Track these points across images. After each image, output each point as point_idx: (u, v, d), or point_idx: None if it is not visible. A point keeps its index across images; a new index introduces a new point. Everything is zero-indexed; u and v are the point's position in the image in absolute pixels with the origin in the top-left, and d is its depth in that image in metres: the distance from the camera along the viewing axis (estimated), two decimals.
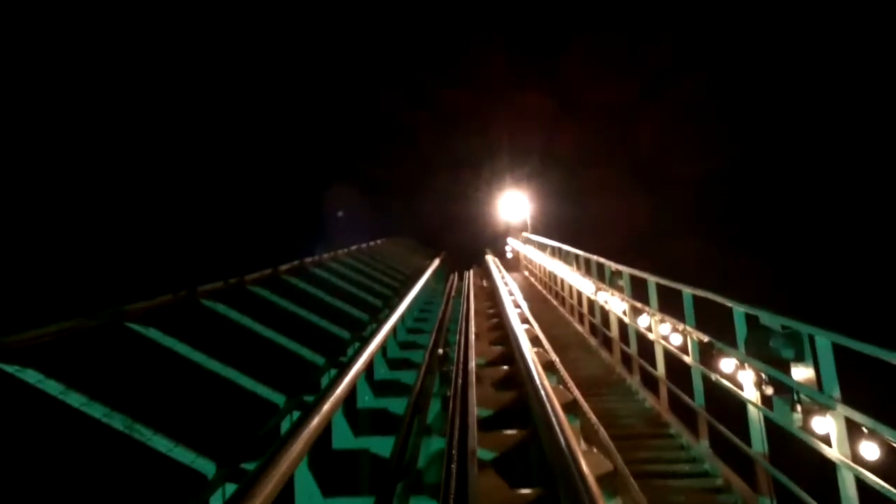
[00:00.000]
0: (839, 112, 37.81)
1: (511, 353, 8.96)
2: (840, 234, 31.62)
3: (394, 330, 11.40)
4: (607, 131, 48.45)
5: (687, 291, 6.85)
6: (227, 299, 9.26)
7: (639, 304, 8.74)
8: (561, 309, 16.08)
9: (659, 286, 8.05)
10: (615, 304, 10.07)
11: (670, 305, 7.86)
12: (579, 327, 13.51)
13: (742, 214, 36.42)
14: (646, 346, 8.76)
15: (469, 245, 37.54)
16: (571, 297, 14.61)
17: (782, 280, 27.17)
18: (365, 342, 9.03)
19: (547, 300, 18.59)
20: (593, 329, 12.50)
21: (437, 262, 24.84)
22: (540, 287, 20.96)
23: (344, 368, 7.10)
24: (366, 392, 8.68)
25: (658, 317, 7.84)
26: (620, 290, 9.85)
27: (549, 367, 8.25)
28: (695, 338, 6.67)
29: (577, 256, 13.78)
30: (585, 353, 11.44)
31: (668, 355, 7.65)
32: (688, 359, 6.87)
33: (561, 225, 33.48)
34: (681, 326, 7.03)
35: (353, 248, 19.48)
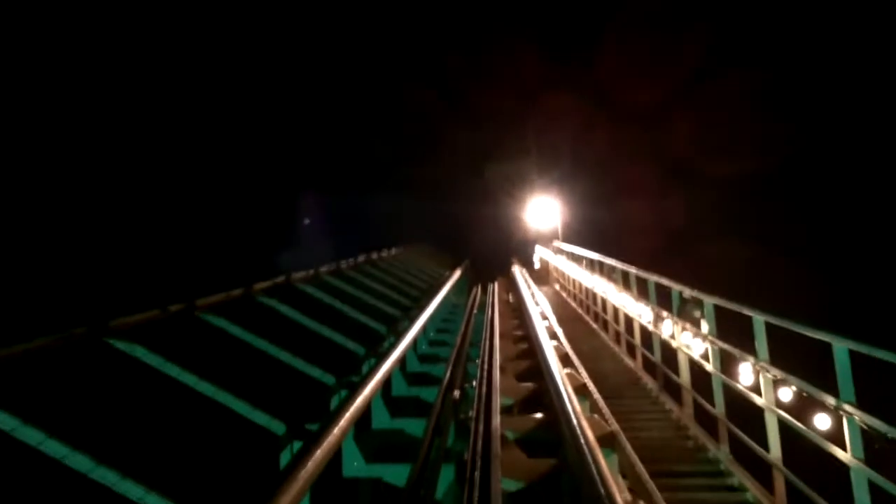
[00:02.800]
0: (886, 111, 35.30)
1: (544, 394, 7.60)
2: (885, 237, 29.46)
3: (401, 361, 9.35)
4: (642, 130, 46.05)
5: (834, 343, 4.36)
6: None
7: (731, 350, 6.23)
8: (603, 335, 13.54)
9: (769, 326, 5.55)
10: (688, 339, 7.57)
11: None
12: (628, 361, 10.99)
13: (782, 215, 34.48)
14: (739, 407, 6.30)
15: (494, 253, 35.53)
16: (617, 321, 12.09)
17: (824, 282, 25.42)
18: (355, 388, 6.77)
19: (583, 320, 16.06)
20: (647, 364, 10.00)
21: (458, 272, 22.45)
22: (574, 305, 18.42)
23: (324, 429, 5.10)
24: (355, 457, 6.44)
25: (771, 374, 5.32)
26: (696, 323, 7.35)
27: (605, 439, 5.81)
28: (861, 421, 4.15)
29: (625, 273, 11.27)
30: (643, 400, 8.91)
31: (788, 431, 5.16)
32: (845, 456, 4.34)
33: (594, 230, 31.17)
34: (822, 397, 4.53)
35: (362, 258, 17.14)
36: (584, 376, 8.84)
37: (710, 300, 6.79)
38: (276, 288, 10.70)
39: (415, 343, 11.35)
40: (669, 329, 8.26)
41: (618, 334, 12.02)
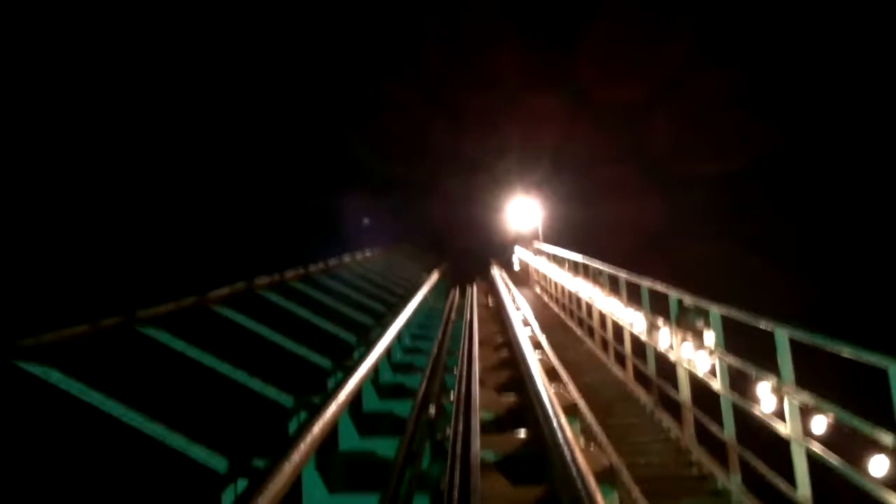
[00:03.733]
0: (864, 109, 35.87)
1: (528, 409, 7.27)
2: (865, 236, 29.92)
3: (374, 372, 8.76)
4: (622, 129, 45.54)
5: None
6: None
7: (745, 366, 5.44)
8: (588, 342, 12.76)
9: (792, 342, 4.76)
10: (689, 353, 6.78)
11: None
12: (617, 371, 10.21)
13: (762, 214, 34.60)
14: (750, 428, 5.54)
15: (474, 254, 34.82)
16: (604, 327, 11.31)
17: (801, 281, 25.21)
18: (318, 409, 5.97)
19: (566, 326, 15.29)
20: (638, 375, 9.25)
21: (435, 275, 21.62)
22: (556, 308, 17.65)
23: (277, 461, 4.54)
24: (317, 487, 5.60)
25: (798, 398, 4.53)
26: (698, 334, 6.57)
27: (603, 474, 5.02)
28: None
29: (613, 277, 10.50)
30: (638, 417, 8.10)
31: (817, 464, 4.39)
32: None
33: (574, 229, 30.54)
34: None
35: (334, 261, 16.21)
36: (573, 391, 8.07)
37: (716, 309, 6.00)
38: (236, 296, 9.75)
39: (389, 352, 10.57)
40: (667, 340, 7.48)
41: (605, 342, 11.26)
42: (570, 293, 15.33)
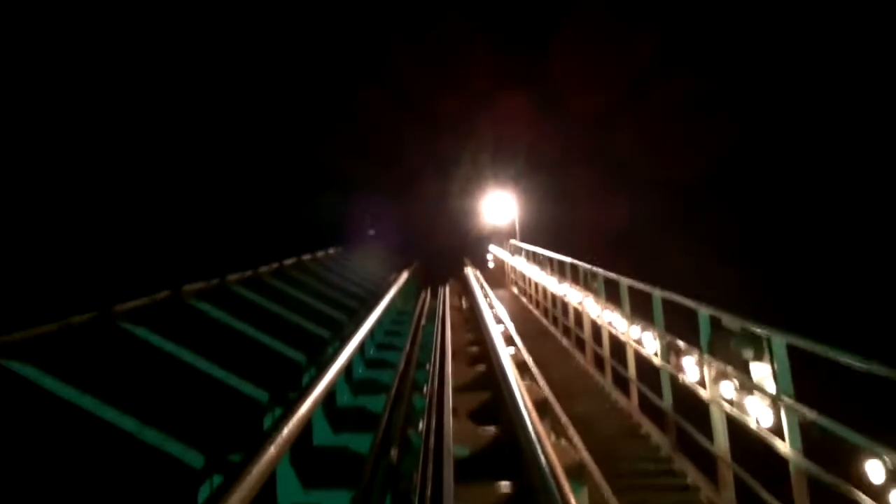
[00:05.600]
0: (828, 113, 35.70)
1: (512, 447, 5.84)
2: (828, 238, 29.75)
3: (328, 394, 7.20)
4: (593, 130, 44.54)
5: None
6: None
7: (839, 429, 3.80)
8: (578, 356, 11.12)
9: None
10: (730, 392, 5.14)
11: None
12: (618, 396, 8.58)
13: (729, 216, 33.56)
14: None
15: (446, 251, 33.24)
16: (597, 341, 9.69)
17: (765, 281, 25.45)
18: (243, 467, 4.44)
19: (549, 335, 13.66)
20: (644, 402, 7.65)
21: (405, 275, 19.85)
22: (538, 313, 16.02)
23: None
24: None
25: None
26: (742, 366, 4.93)
27: None
28: None
29: (609, 281, 8.87)
30: (656, 471, 6.39)
31: None
32: None
33: (552, 227, 29.32)
34: None
35: (290, 261, 14.39)
36: (575, 440, 6.40)
37: (781, 338, 4.36)
38: (161, 305, 8.02)
39: (349, 365, 8.97)
40: (693, 369, 5.84)
41: (598, 357, 9.64)
42: (552, 296, 13.70)
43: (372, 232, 36.84)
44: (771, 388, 4.63)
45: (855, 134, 33.10)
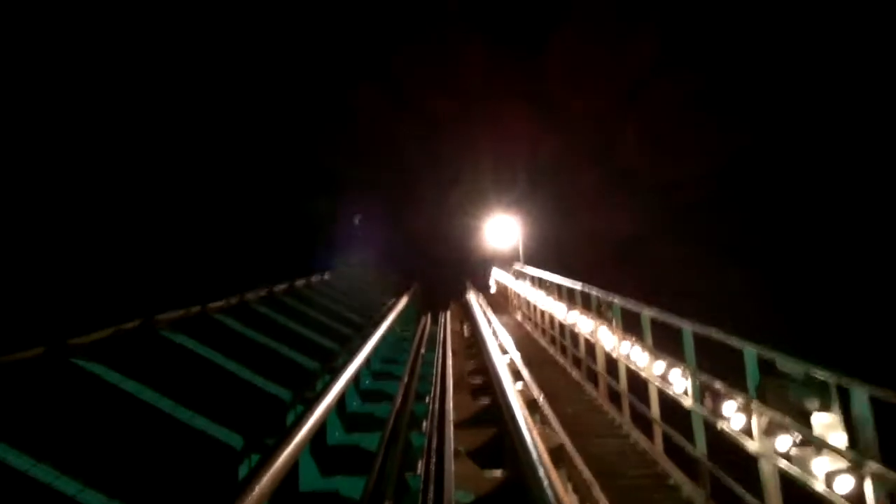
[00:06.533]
0: (831, 116, 34.85)
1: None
2: (832, 242, 29.12)
3: (316, 431, 6.43)
4: (594, 137, 43.87)
5: None
6: None
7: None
8: (590, 389, 10.25)
9: None
10: (785, 446, 4.31)
11: None
12: (636, 435, 7.73)
13: (735, 220, 33.29)
14: None
15: (449, 274, 32.50)
16: (613, 374, 8.85)
17: (771, 289, 25.10)
18: None
19: (558, 365, 12.81)
20: (669, 445, 6.80)
21: (404, 300, 19.00)
22: (544, 342, 15.16)
23: None
24: None
25: None
26: (802, 416, 4.11)
27: None
28: None
29: (628, 311, 8.05)
30: None
31: None
32: None
33: (557, 244, 28.66)
34: None
35: (282, 286, 13.57)
36: (596, 491, 5.54)
37: (864, 390, 3.53)
38: (133, 334, 7.24)
39: (343, 398, 8.20)
40: (736, 416, 5.00)
41: (612, 390, 8.80)
42: (561, 324, 12.86)
43: (357, 220, 36.53)
44: (838, 441, 3.83)
45: (862, 139, 32.57)
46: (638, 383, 7.95)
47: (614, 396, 9.05)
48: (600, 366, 9.53)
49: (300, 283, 15.02)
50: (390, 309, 16.13)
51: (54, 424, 5.03)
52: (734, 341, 4.87)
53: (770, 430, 4.46)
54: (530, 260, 23.49)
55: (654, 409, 7.08)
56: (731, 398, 5.07)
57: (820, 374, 3.93)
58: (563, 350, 12.64)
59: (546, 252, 25.71)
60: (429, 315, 20.25)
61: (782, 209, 32.79)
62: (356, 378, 9.56)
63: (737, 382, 5.24)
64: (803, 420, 4.14)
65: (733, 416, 4.97)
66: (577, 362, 11.40)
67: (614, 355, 8.60)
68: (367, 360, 10.75)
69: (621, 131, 41.21)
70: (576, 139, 42.29)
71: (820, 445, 3.94)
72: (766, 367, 4.67)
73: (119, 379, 5.94)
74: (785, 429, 4.28)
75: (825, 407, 3.93)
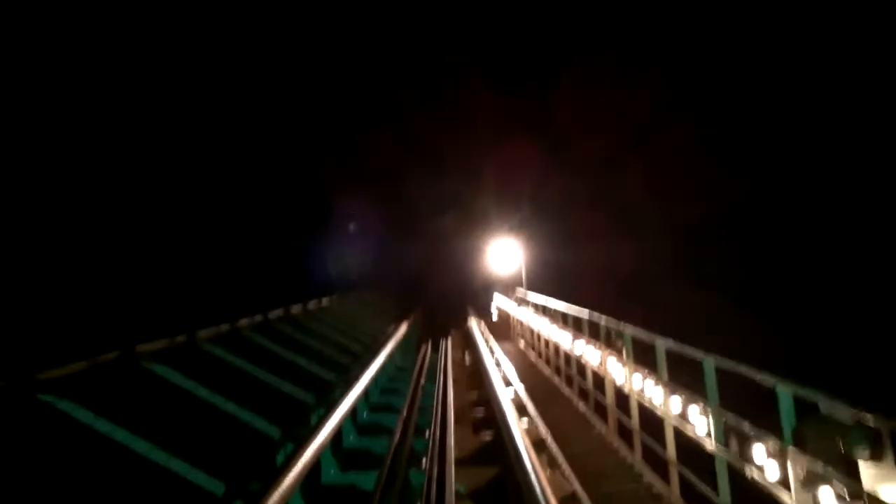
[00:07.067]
0: (833, 158, 34.47)
1: None
2: (835, 285, 28.54)
3: (309, 470, 5.92)
4: (599, 175, 43.71)
5: None
6: None
7: None
8: (598, 425, 9.74)
9: None
10: None
11: None
12: (650, 477, 7.22)
13: (736, 260, 32.70)
14: None
15: (449, 300, 32.10)
16: (622, 408, 8.37)
17: (771, 325, 23.97)
18: None
19: (564, 397, 12.30)
20: (685, 486, 6.30)
21: (404, 327, 18.54)
22: (548, 372, 14.66)
23: None
24: None
25: None
26: (844, 462, 3.64)
27: None
28: None
29: (641, 344, 7.58)
30: None
31: None
32: None
33: (560, 273, 28.24)
34: None
35: (276, 313, 13.11)
36: None
37: None
38: (111, 367, 6.78)
39: (339, 433, 7.92)
40: (769, 462, 4.51)
41: (621, 425, 8.31)
42: (567, 354, 12.38)
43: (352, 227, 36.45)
44: (892, 496, 3.37)
45: (867, 178, 32.39)
46: (650, 419, 7.48)
47: (624, 432, 8.57)
48: (610, 400, 9.03)
49: (296, 309, 14.55)
50: (390, 336, 15.66)
51: (12, 468, 4.53)
52: (766, 379, 4.40)
53: (810, 481, 3.98)
54: (532, 287, 23.05)
55: (671, 450, 6.59)
56: (760, 441, 4.60)
57: (871, 420, 3.47)
58: (569, 381, 12.14)
59: (548, 283, 25.31)
60: (429, 342, 19.78)
61: (784, 252, 32.78)
62: (353, 411, 9.14)
63: (762, 422, 4.79)
64: (850, 470, 3.66)
65: (765, 462, 4.49)
66: (583, 394, 10.89)
67: (625, 389, 8.11)
68: (366, 392, 10.31)
69: (627, 167, 41.25)
70: (579, 173, 42.28)
71: (871, 500, 3.47)
72: (802, 407, 4.22)
73: (91, 417, 5.39)
74: (827, 480, 3.80)
75: (877, 456, 3.45)
